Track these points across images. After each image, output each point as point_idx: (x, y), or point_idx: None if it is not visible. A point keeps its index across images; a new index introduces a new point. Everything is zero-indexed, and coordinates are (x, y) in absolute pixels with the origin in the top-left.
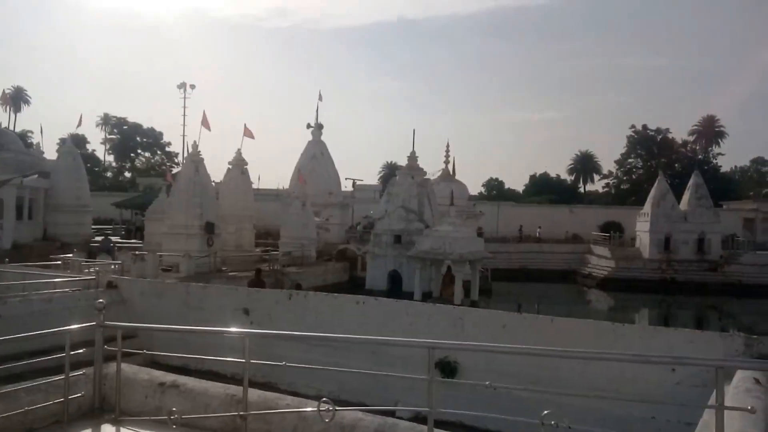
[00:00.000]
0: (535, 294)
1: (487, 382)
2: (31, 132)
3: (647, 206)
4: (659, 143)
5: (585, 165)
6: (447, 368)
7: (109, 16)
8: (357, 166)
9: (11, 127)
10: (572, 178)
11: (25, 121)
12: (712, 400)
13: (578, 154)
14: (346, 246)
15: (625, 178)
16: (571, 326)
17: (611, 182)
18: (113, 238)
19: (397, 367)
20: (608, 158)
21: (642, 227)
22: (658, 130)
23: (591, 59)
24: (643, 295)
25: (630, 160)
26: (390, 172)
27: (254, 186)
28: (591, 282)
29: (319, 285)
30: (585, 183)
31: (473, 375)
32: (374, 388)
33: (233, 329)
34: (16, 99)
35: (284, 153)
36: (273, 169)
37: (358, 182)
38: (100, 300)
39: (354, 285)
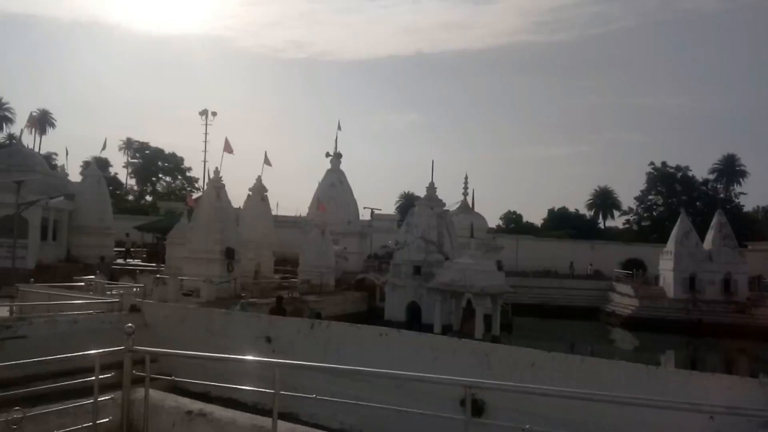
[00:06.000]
0: (557, 331)
1: (527, 426)
2: (56, 154)
3: (670, 244)
4: (680, 181)
5: (604, 200)
6: (474, 406)
7: (135, 43)
8: (374, 195)
9: (37, 150)
10: (591, 213)
11: (49, 143)
12: None
13: (597, 189)
14: (364, 275)
15: (645, 214)
16: (603, 368)
17: (632, 219)
18: (134, 261)
19: (421, 402)
20: (627, 194)
21: (666, 266)
22: (678, 168)
23: (608, 97)
24: (669, 336)
25: (650, 197)
26: (407, 202)
27: (273, 213)
28: (615, 320)
29: (338, 314)
30: (605, 218)
31: (499, 415)
32: (397, 424)
33: (264, 359)
34: (42, 122)
35: (302, 181)
36: (291, 197)
37: (376, 212)
38: (130, 324)
39: (372, 315)
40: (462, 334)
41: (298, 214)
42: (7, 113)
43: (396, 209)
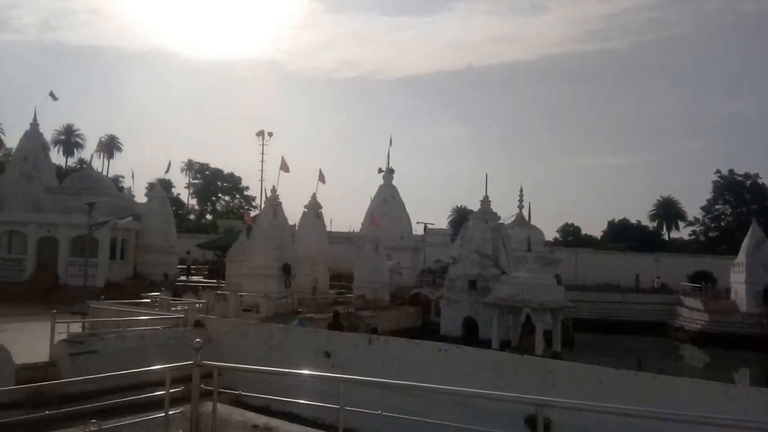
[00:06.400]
0: (621, 347)
1: None
2: (122, 177)
3: (741, 255)
4: (749, 189)
5: (668, 211)
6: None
7: (194, 69)
8: (426, 210)
9: (105, 173)
10: (654, 224)
11: (116, 167)
12: None
13: (660, 199)
14: (418, 290)
15: (713, 225)
16: (677, 386)
17: (698, 229)
18: (195, 277)
19: (482, 420)
20: (692, 204)
21: (737, 278)
22: (746, 176)
23: (666, 103)
24: (742, 352)
25: (717, 207)
26: (460, 216)
27: (326, 229)
28: (683, 336)
29: (392, 329)
30: (669, 230)
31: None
32: None
33: (329, 374)
34: (110, 146)
35: (354, 197)
36: (343, 213)
37: (429, 226)
38: (198, 339)
39: (427, 330)
40: (521, 350)
41: (351, 230)
42: (78, 139)
43: (448, 223)
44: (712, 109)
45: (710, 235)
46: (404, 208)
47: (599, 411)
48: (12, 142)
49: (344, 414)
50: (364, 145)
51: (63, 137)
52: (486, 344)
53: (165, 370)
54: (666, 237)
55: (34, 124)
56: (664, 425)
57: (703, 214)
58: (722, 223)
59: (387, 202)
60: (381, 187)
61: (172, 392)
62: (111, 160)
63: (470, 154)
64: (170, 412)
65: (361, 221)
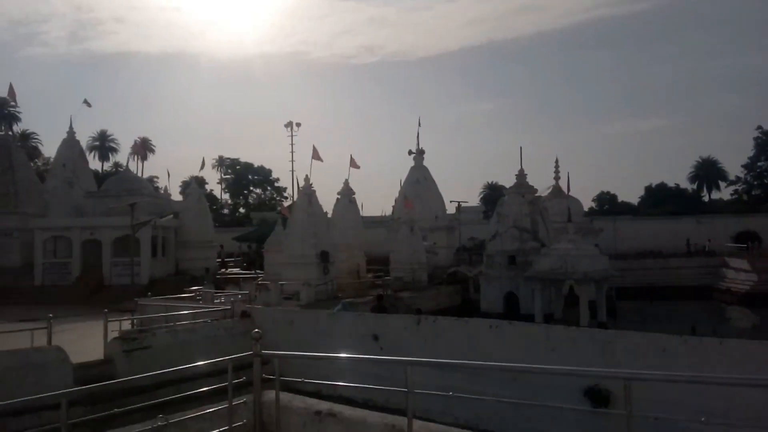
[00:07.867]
0: (665, 313)
1: (702, 418)
2: (157, 177)
3: None
4: None
5: (708, 171)
6: (598, 397)
7: (219, 67)
8: (457, 187)
9: (140, 174)
10: (694, 186)
11: (150, 168)
12: None
13: (699, 160)
14: (455, 269)
15: (755, 182)
16: (749, 349)
17: (740, 188)
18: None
19: (540, 396)
20: (734, 163)
21: None
22: None
23: (702, 60)
24: None
25: (760, 164)
26: (491, 192)
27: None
28: (730, 298)
29: (432, 309)
30: (710, 191)
31: (624, 405)
32: (514, 418)
33: (393, 357)
34: (143, 148)
35: (383, 180)
36: (373, 197)
37: (463, 204)
38: (257, 330)
39: (467, 308)
40: (566, 323)
41: (383, 214)
42: (112, 144)
43: (480, 200)
44: (750, 63)
45: (753, 193)
46: (436, 188)
47: (691, 381)
48: (49, 151)
49: (391, 395)
50: (391, 128)
51: (98, 143)
52: (528, 319)
53: (227, 361)
54: (707, 198)
55: (71, 132)
56: (731, 389)
57: (745, 172)
58: (766, 181)
59: (419, 183)
60: (412, 168)
61: (233, 382)
62: (145, 162)
63: (498, 129)
64: (234, 402)
65: (392, 204)
